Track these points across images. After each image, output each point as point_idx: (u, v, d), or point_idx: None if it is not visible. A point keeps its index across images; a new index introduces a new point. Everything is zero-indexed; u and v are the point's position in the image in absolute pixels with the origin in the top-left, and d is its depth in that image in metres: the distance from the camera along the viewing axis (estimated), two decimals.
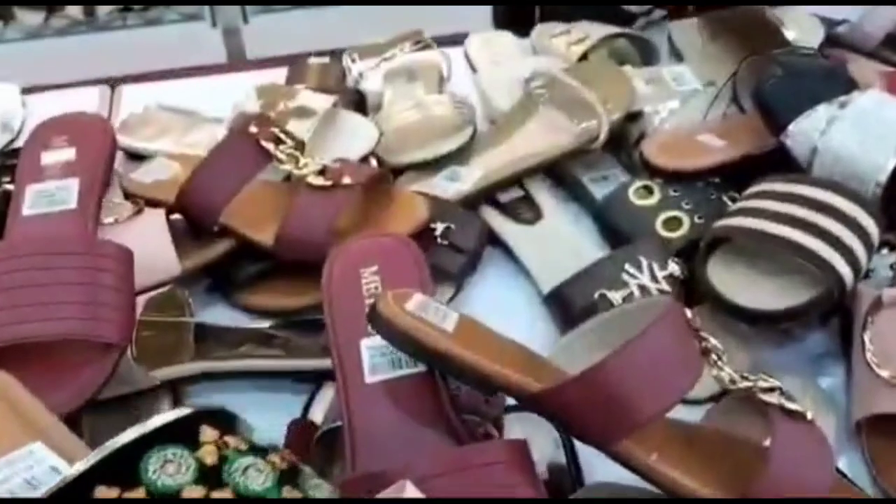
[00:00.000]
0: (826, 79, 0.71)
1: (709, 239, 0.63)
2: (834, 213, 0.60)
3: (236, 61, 1.38)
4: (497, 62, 0.95)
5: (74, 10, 2.45)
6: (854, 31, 0.91)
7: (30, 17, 2.24)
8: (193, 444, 0.37)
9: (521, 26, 1.04)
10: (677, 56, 0.95)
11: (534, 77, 0.83)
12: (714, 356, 0.48)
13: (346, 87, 0.91)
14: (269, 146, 0.68)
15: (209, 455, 0.37)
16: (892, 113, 0.65)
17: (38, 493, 0.37)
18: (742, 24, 0.86)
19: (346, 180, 0.66)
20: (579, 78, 0.81)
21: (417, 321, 0.46)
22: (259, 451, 0.40)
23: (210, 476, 0.36)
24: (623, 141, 0.81)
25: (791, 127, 0.67)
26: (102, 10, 2.49)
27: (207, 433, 0.38)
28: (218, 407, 0.41)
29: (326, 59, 0.98)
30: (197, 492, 0.35)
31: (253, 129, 0.69)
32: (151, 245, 0.65)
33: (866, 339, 0.54)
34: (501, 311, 0.68)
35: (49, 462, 0.39)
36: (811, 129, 0.66)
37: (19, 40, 2.17)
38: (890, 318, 0.55)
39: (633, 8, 0.98)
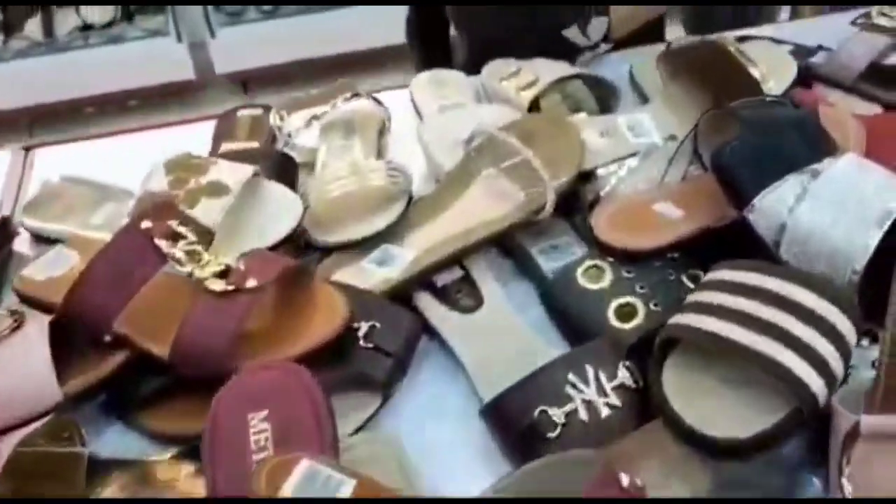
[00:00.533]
0: (796, 138, 0.63)
1: (662, 340, 0.55)
2: (804, 314, 0.52)
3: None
4: (444, 108, 0.87)
5: (34, 32, 2.37)
6: (831, 63, 0.83)
7: None
8: None
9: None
10: (639, 94, 0.87)
11: (474, 135, 0.74)
12: None
13: (273, 148, 0.83)
14: (163, 244, 0.60)
15: None
16: (871, 185, 0.57)
17: None
18: (706, 61, 0.78)
19: (251, 283, 0.58)
20: (524, 135, 0.73)
21: None
22: None
23: None
24: (576, 202, 0.73)
25: (755, 202, 0.59)
26: (62, 31, 2.40)
27: None
28: None
29: (258, 111, 0.90)
30: None
31: (146, 223, 0.61)
32: (30, 368, 0.57)
33: (844, 482, 0.46)
34: (436, 417, 0.61)
35: None
36: (778, 204, 0.58)
37: None
38: (869, 453, 0.47)
39: (578, 39, 0.89)
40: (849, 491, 0.45)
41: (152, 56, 2.33)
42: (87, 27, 2.37)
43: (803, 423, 0.50)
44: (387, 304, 0.63)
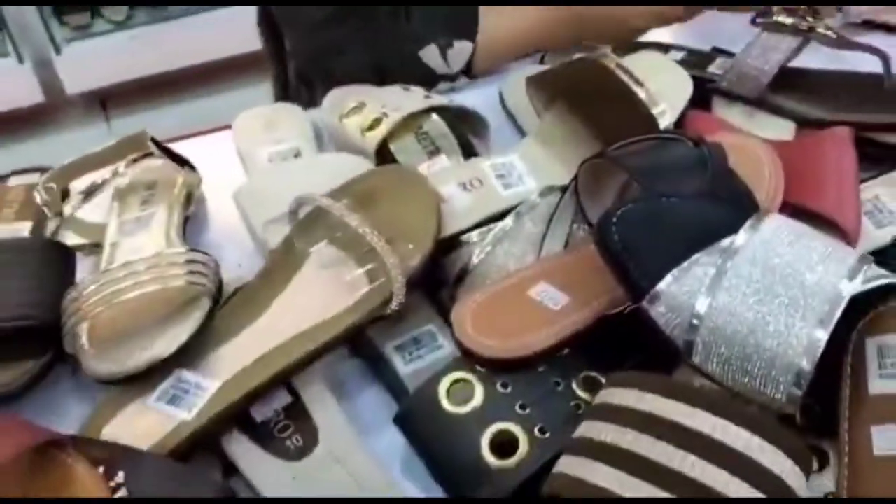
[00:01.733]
0: (701, 194, 0.48)
1: (546, 496, 0.40)
2: (733, 462, 0.37)
3: None
4: (274, 156, 0.70)
5: None
6: (734, 73, 0.69)
7: None
8: None
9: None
10: (514, 124, 0.72)
11: (299, 202, 0.57)
12: None
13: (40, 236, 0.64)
14: None
15: None
16: (806, 260, 0.43)
17: None
18: (585, 84, 0.63)
19: None
20: (364, 199, 0.56)
21: None
22: None
23: None
24: (441, 274, 0.57)
25: (660, 285, 0.44)
26: None
27: None
28: None
29: (34, 177, 0.70)
30: None
31: None
32: None
33: None
34: None
35: None
36: (687, 296, 0.43)
37: None
38: None
39: (436, 64, 0.73)
40: None
41: None
42: None
43: None
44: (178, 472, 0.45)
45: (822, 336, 0.41)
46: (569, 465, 0.41)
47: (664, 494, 0.37)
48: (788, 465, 0.38)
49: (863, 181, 0.59)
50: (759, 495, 0.37)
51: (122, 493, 0.43)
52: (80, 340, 0.52)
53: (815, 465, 0.43)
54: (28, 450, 0.43)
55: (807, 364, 0.41)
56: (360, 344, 0.56)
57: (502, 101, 0.73)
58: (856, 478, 0.41)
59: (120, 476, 0.43)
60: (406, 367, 0.53)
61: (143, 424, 0.48)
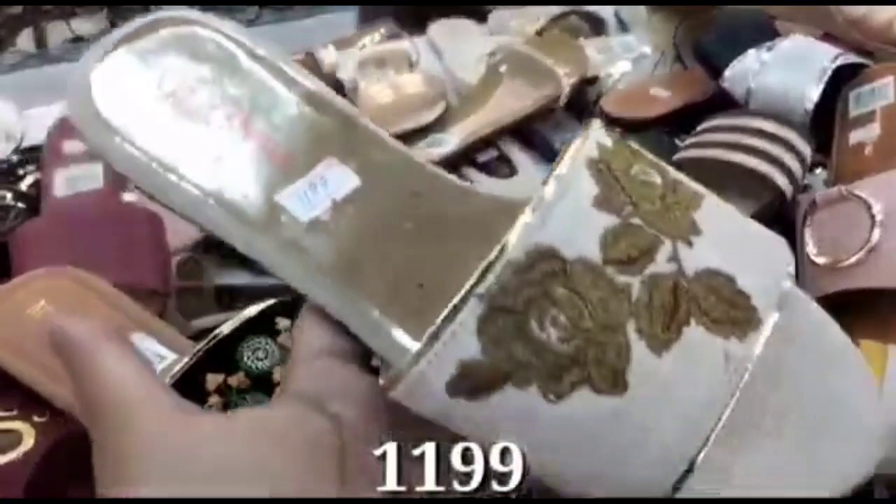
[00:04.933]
0: (754, 30, 0.81)
1: None
2: (769, 136, 0.69)
3: None
4: (459, 44, 1.04)
5: (26, 44, 2.49)
6: None
7: None
8: (273, 332, 0.44)
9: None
10: (623, 28, 1.05)
11: (495, 52, 0.91)
12: None
13: (322, 77, 0.99)
14: None
15: (288, 340, 0.44)
16: (811, 52, 0.75)
17: None
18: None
19: None
20: (539, 49, 0.90)
21: None
22: None
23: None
24: (583, 104, 0.90)
25: (727, 72, 0.77)
26: (53, 43, 2.53)
27: (281, 322, 0.45)
28: (287, 298, 0.47)
29: (300, 55, 1.06)
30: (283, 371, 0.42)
31: None
32: (171, 214, 0.72)
33: (806, 235, 0.64)
34: None
35: (154, 350, 0.45)
36: (745, 72, 0.76)
37: None
38: (823, 215, 0.64)
39: None
40: (808, 241, 0.63)
41: None
42: (78, 38, 2.50)
43: (776, 213, 0.67)
44: None
45: (818, 90, 0.73)
46: (676, 156, 0.73)
47: (739, 155, 0.68)
48: (803, 142, 0.70)
49: None
50: (786, 153, 0.68)
51: None
52: None
53: (820, 169, 0.74)
54: None
55: (809, 104, 0.72)
56: (533, 141, 0.89)
57: (617, 14, 1.07)
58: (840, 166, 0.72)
59: None
60: None
61: None
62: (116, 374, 0.28)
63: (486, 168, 0.83)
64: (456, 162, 0.83)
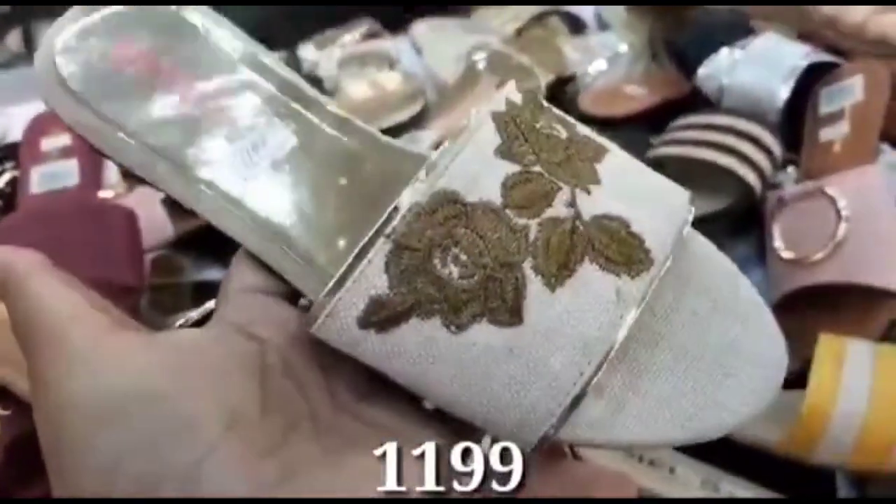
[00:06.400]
0: (729, 29, 0.82)
1: None
2: (740, 134, 0.70)
3: None
4: (439, 42, 1.05)
5: (14, 44, 2.49)
6: None
7: None
8: None
9: None
10: (603, 27, 1.06)
11: (475, 50, 0.92)
12: None
13: (303, 76, 0.99)
14: None
15: None
16: (783, 51, 0.76)
17: None
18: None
19: None
20: (517, 48, 0.91)
21: None
22: None
23: None
24: (560, 103, 0.91)
25: (700, 70, 0.78)
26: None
27: None
28: None
29: (283, 54, 1.06)
30: None
31: None
32: (147, 212, 0.72)
33: (774, 230, 0.64)
34: None
35: None
36: (717, 70, 0.77)
37: None
38: (791, 211, 0.65)
39: None
40: (776, 237, 0.63)
41: None
42: None
43: (747, 209, 0.68)
44: None
45: (787, 89, 0.74)
46: (650, 152, 0.74)
47: (711, 153, 0.69)
48: (773, 141, 0.70)
49: None
50: (758, 152, 0.69)
51: None
52: None
53: (791, 168, 0.75)
54: None
55: (779, 103, 0.73)
56: None
57: (597, 13, 1.08)
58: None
59: None
60: None
61: None
62: (48, 297, 0.28)
63: None
64: None
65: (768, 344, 0.32)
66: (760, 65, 0.75)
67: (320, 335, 0.29)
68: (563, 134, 0.31)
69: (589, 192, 0.30)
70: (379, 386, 0.30)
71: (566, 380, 0.28)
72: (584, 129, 0.33)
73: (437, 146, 0.80)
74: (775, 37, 0.78)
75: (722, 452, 0.47)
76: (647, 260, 0.29)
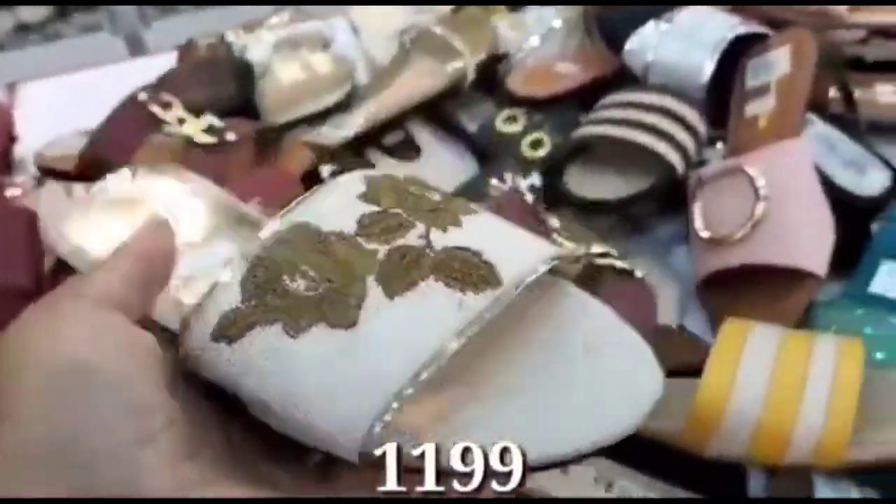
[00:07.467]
0: (658, 4, 0.80)
1: (565, 150, 0.71)
2: (663, 112, 0.68)
3: None
4: (376, 19, 1.02)
5: None
6: None
7: None
8: None
9: None
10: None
11: (407, 30, 0.89)
12: (555, 235, 0.55)
13: (233, 59, 0.96)
14: (157, 109, 0.73)
15: None
16: (710, 24, 0.74)
17: None
18: None
19: (231, 136, 0.72)
20: (448, 28, 0.88)
21: None
22: None
23: None
24: (494, 82, 0.88)
25: (626, 46, 0.76)
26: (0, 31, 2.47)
27: None
28: None
29: (212, 39, 1.03)
30: None
31: (143, 96, 0.74)
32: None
33: (694, 210, 0.63)
34: None
35: None
36: (644, 47, 0.75)
37: None
38: (711, 190, 0.63)
39: None
40: (697, 216, 0.62)
41: (88, 52, 2.40)
42: (23, 27, 2.44)
43: (670, 190, 0.67)
44: (346, 153, 0.77)
45: (713, 62, 0.71)
46: (577, 132, 0.72)
47: (633, 132, 0.67)
48: (697, 117, 0.69)
49: None
50: (682, 131, 0.67)
51: None
52: None
53: (720, 144, 0.73)
54: (258, 131, 0.75)
55: (703, 79, 0.71)
56: (442, 119, 0.87)
57: None
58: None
59: None
60: (472, 126, 0.85)
61: (320, 139, 0.80)
62: None
63: (391, 151, 0.81)
64: (362, 144, 0.81)
65: (633, 372, 0.31)
66: (686, 39, 0.73)
67: (188, 350, 0.30)
68: (436, 197, 0.33)
69: (445, 231, 0.31)
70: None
71: (395, 382, 0.28)
72: (460, 200, 0.34)
73: (362, 129, 0.79)
74: (702, 9, 0.76)
75: (625, 445, 0.46)
76: (495, 280, 0.30)
